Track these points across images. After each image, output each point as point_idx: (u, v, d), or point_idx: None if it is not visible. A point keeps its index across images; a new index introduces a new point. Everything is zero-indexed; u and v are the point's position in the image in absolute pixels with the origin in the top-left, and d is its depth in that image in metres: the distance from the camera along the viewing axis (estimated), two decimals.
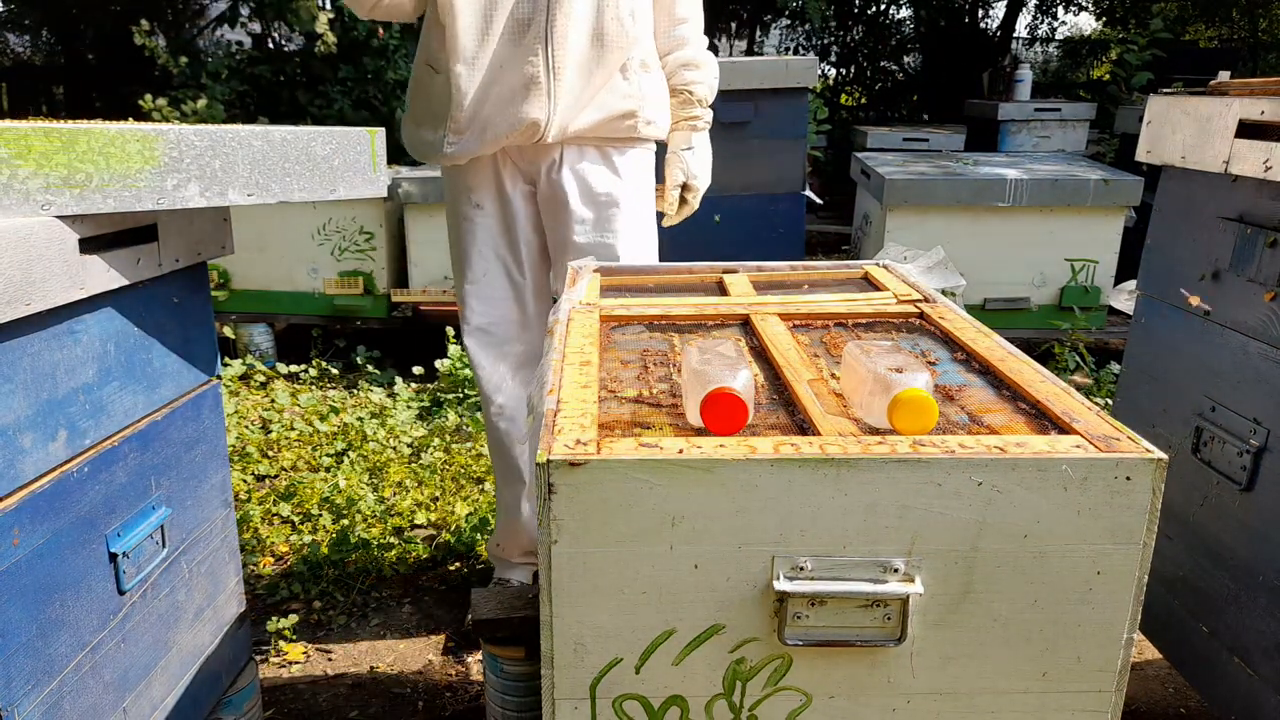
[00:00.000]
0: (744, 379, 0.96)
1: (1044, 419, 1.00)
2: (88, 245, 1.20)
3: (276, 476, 3.08)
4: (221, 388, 1.65)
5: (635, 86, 1.91)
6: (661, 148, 2.06)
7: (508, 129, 1.85)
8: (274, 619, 2.30)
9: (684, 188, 2.02)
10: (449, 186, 2.05)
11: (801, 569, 0.89)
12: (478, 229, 2.01)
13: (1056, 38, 13.30)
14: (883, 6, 10.91)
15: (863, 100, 10.74)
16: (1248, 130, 1.57)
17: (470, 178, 1.98)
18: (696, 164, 2.03)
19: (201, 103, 5.73)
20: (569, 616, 0.90)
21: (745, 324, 1.35)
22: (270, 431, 3.41)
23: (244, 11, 7.14)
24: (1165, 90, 1.86)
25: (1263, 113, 1.54)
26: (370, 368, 4.04)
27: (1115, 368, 3.84)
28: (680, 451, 0.87)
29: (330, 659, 2.19)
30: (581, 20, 1.81)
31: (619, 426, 0.99)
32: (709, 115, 2.05)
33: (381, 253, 4.13)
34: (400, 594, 2.45)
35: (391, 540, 2.62)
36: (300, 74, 6.70)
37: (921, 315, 1.37)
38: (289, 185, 1.36)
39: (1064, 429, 0.95)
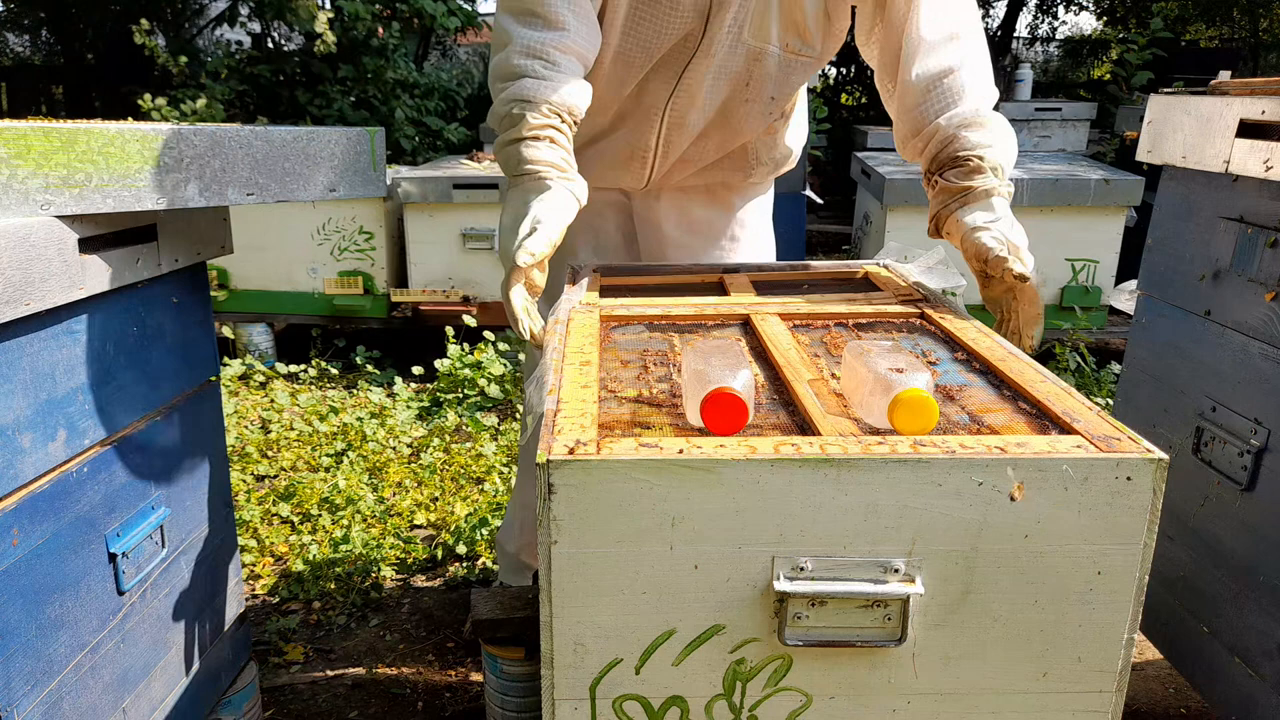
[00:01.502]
0: (744, 379, 0.96)
1: (1045, 419, 1.00)
2: (87, 245, 1.20)
3: (276, 476, 3.08)
4: (221, 388, 1.65)
5: (753, 156, 1.75)
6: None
7: (598, 182, 1.69)
8: (274, 619, 2.30)
9: (993, 264, 1.30)
10: None
11: (801, 569, 0.89)
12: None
13: (1057, 38, 13.31)
14: None
15: (863, 100, 10.75)
16: (1248, 130, 1.57)
17: None
18: (1012, 232, 1.34)
19: (201, 102, 5.73)
20: (569, 616, 0.90)
21: (745, 324, 1.35)
22: (270, 431, 3.41)
23: (244, 11, 7.15)
24: (1165, 90, 1.86)
25: (1263, 113, 1.54)
26: (370, 368, 4.04)
27: (1115, 368, 3.84)
28: (680, 451, 0.87)
29: (330, 659, 2.19)
30: (709, 102, 1.60)
31: (619, 426, 0.99)
32: (1010, 186, 1.41)
33: (381, 253, 4.13)
34: (400, 594, 2.45)
35: (391, 540, 2.62)
36: (300, 74, 6.71)
37: (921, 315, 1.37)
38: (289, 185, 1.36)
39: (1065, 429, 0.95)
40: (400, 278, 4.24)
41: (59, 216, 1.15)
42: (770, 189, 1.92)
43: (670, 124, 1.62)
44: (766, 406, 1.06)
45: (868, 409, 0.97)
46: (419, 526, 2.75)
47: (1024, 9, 11.54)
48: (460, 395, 3.74)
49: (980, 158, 1.38)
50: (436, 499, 2.89)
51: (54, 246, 1.14)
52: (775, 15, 1.51)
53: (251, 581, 2.47)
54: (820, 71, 10.09)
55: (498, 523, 2.63)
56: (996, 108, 1.46)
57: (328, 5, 6.92)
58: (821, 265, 1.73)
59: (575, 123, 1.40)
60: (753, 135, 1.70)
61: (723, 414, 0.93)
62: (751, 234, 1.87)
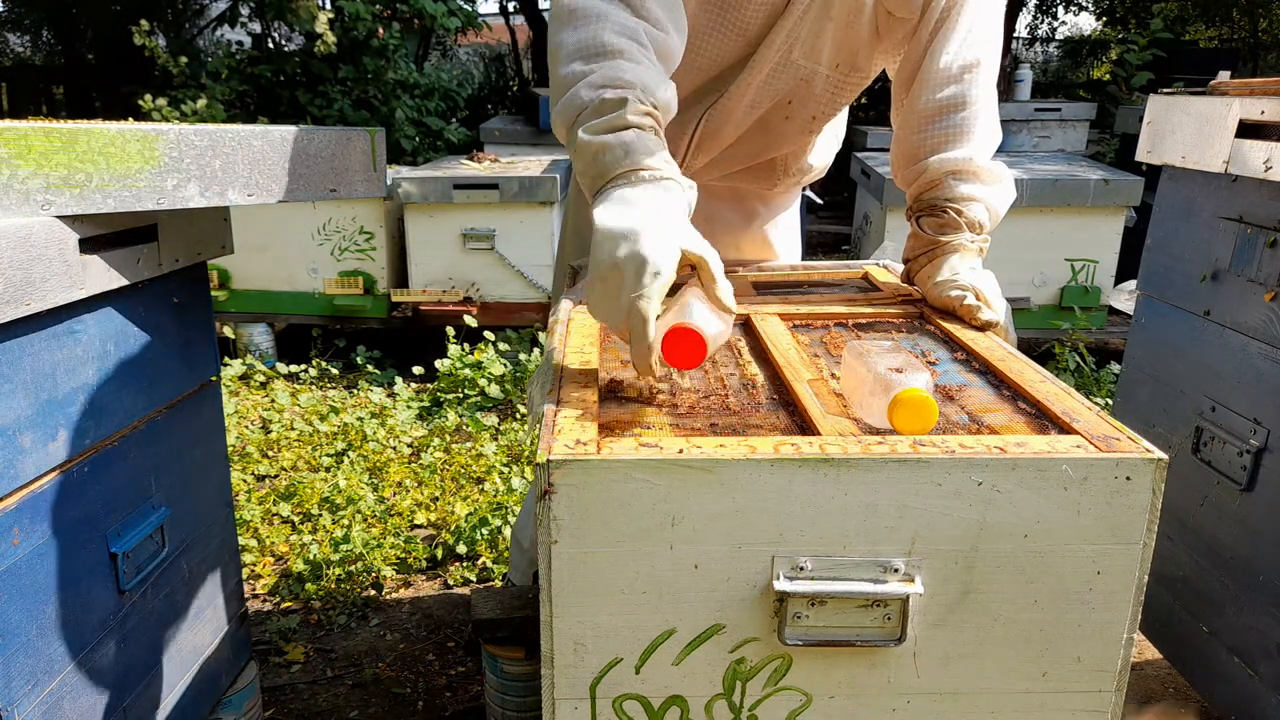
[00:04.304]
0: (698, 314, 0.99)
1: (1044, 419, 1.00)
2: (88, 245, 1.20)
3: (276, 476, 3.08)
4: (221, 388, 1.65)
5: (781, 168, 1.70)
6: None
7: None
8: (274, 619, 2.30)
9: (963, 312, 1.30)
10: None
11: (801, 569, 0.89)
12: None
13: (1056, 38, 13.31)
14: None
15: (863, 100, 10.74)
16: (1248, 130, 1.57)
17: None
18: (978, 279, 1.33)
19: (201, 103, 5.73)
20: (569, 616, 0.90)
21: (745, 324, 1.35)
22: (270, 431, 3.41)
23: (244, 11, 7.15)
24: (1165, 90, 1.86)
25: (1263, 113, 1.54)
26: (370, 368, 4.04)
27: (1115, 368, 3.84)
28: (680, 451, 0.87)
29: (330, 659, 2.19)
30: (747, 115, 1.54)
31: (619, 426, 0.99)
32: (987, 240, 1.41)
33: (381, 253, 4.13)
34: (400, 594, 2.45)
35: (391, 540, 2.63)
36: (300, 74, 6.71)
37: (921, 315, 1.37)
38: (289, 185, 1.36)
39: (1064, 429, 0.95)
40: (400, 278, 4.24)
41: (59, 216, 1.15)
42: (797, 195, 1.89)
43: (704, 132, 1.58)
44: (766, 406, 1.06)
45: (867, 409, 0.97)
46: (419, 526, 2.75)
47: (1024, 9, 11.53)
48: (460, 395, 3.74)
49: (959, 211, 1.37)
50: (437, 499, 2.89)
51: (54, 246, 1.14)
52: (830, 37, 1.46)
53: (251, 581, 2.47)
54: None
55: (498, 522, 2.63)
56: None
57: (328, 5, 6.92)
58: (821, 265, 1.73)
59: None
60: (786, 150, 1.67)
61: (681, 348, 0.98)
62: (779, 243, 1.84)
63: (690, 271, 1.05)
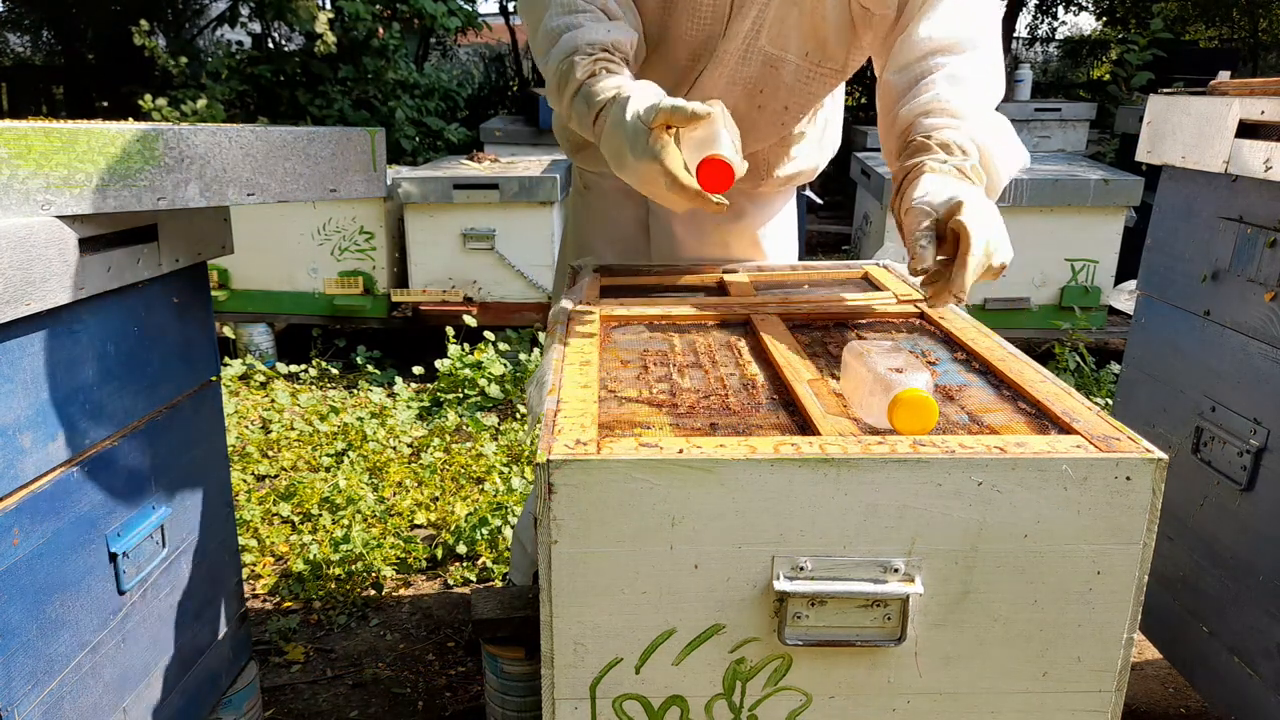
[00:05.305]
0: (701, 145, 1.12)
1: (1044, 419, 1.00)
2: (88, 245, 1.20)
3: (276, 476, 3.08)
4: (221, 388, 1.65)
5: (764, 165, 1.69)
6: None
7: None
8: (274, 619, 2.30)
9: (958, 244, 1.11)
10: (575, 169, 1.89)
11: (801, 569, 0.89)
12: (589, 208, 1.84)
13: (1056, 38, 13.32)
14: None
15: (863, 100, 10.73)
16: (1248, 130, 1.57)
17: (584, 160, 1.80)
18: (953, 189, 1.17)
19: (201, 103, 5.73)
20: (569, 616, 0.90)
21: (745, 324, 1.35)
22: (270, 431, 3.41)
23: (244, 11, 7.15)
24: (1165, 90, 1.86)
25: (1263, 113, 1.54)
26: (370, 368, 4.04)
27: (1115, 368, 3.84)
28: (680, 451, 0.87)
29: (330, 659, 2.19)
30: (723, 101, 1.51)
31: (619, 426, 0.99)
32: (964, 159, 1.24)
33: (381, 253, 4.13)
34: (400, 594, 2.45)
35: (391, 540, 2.63)
36: (300, 74, 6.71)
37: (921, 315, 1.37)
38: (289, 185, 1.36)
39: (1064, 429, 0.95)
40: (400, 278, 4.24)
41: (59, 216, 1.15)
42: (791, 196, 1.88)
43: None
44: (766, 406, 1.06)
45: (867, 409, 0.97)
46: (419, 526, 2.75)
47: (1024, 9, 11.53)
48: (460, 395, 3.74)
49: (928, 137, 1.26)
50: (436, 499, 2.89)
51: (54, 246, 1.14)
52: (796, 23, 1.47)
53: (251, 581, 2.47)
54: None
55: (498, 522, 2.63)
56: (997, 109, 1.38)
57: (328, 5, 6.93)
58: (821, 265, 1.73)
59: (626, 60, 1.35)
60: (763, 144, 1.66)
61: (713, 174, 1.10)
62: (770, 244, 1.83)
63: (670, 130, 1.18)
